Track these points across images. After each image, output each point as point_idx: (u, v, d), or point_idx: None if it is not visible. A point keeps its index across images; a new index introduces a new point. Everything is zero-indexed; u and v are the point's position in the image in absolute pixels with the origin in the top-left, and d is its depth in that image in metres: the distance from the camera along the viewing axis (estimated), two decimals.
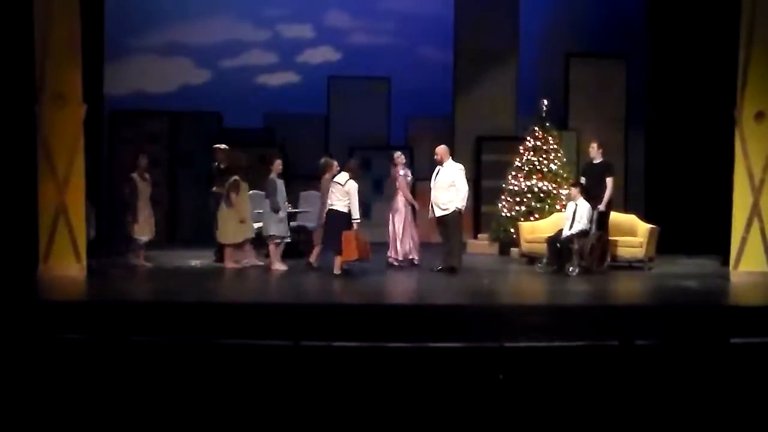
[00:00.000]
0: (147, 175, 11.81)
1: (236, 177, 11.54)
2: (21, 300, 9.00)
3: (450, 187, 11.33)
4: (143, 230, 11.62)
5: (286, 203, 11.89)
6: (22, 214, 10.77)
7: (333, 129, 17.08)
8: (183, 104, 16.51)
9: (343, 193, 11.00)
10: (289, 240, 11.80)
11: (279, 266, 11.51)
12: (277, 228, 11.55)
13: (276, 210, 11.48)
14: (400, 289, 10.97)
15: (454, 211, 11.31)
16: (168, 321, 8.09)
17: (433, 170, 11.68)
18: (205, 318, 8.33)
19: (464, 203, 11.40)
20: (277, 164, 11.71)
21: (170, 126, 16.44)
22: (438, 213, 11.43)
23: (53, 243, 10.54)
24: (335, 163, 11.75)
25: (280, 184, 11.67)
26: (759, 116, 10.71)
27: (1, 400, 6.01)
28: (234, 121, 16.58)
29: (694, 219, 13.76)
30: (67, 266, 10.53)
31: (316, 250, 11.61)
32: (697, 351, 6.91)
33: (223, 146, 12.02)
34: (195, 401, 6.10)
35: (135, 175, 11.59)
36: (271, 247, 11.60)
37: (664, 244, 12.41)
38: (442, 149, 11.64)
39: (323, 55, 17.93)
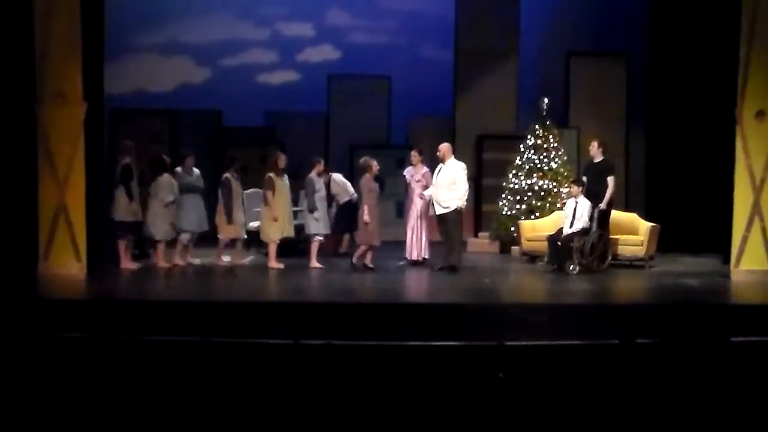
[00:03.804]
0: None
1: (270, 174, 11.52)
2: (21, 298, 8.98)
3: (451, 185, 11.31)
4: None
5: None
6: (22, 213, 10.75)
7: (333, 128, 17.05)
8: (183, 103, 16.48)
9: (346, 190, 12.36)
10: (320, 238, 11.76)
11: (313, 264, 11.58)
12: (317, 227, 11.57)
13: (311, 209, 11.50)
14: (401, 287, 10.96)
15: (455, 209, 11.30)
16: (173, 319, 8.09)
17: (434, 169, 11.67)
18: (210, 317, 8.33)
19: (464, 202, 11.38)
20: (320, 164, 11.77)
21: (171, 125, 16.41)
22: (439, 211, 11.41)
23: (53, 241, 10.53)
24: (374, 162, 11.73)
25: (319, 182, 11.69)
26: (760, 115, 10.70)
27: (1, 398, 6.00)
28: (234, 120, 16.57)
29: (695, 217, 13.73)
30: (67, 264, 10.51)
31: (361, 249, 11.55)
32: (698, 350, 6.90)
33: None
34: (195, 401, 6.09)
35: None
36: (313, 245, 11.63)
37: (664, 243, 12.40)
38: (445, 147, 11.62)
39: (323, 53, 17.89)
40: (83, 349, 7.05)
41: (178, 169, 11.74)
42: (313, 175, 11.70)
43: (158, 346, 7.08)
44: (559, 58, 16.69)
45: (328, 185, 12.60)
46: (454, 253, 11.41)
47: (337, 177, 13.05)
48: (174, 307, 8.71)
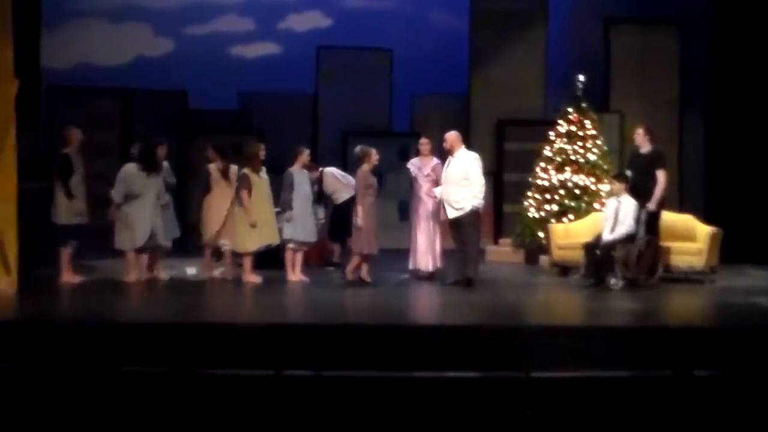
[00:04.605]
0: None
1: (246, 171, 11.44)
2: None
3: (463, 180, 11.29)
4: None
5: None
6: None
7: (323, 111, 17.12)
8: (139, 80, 16.50)
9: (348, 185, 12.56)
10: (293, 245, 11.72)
11: (293, 277, 11.59)
12: (290, 231, 11.55)
13: (284, 208, 11.51)
14: (405, 306, 10.93)
15: (470, 210, 11.25)
16: (114, 345, 8.03)
17: (443, 162, 11.64)
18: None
19: (481, 200, 11.34)
20: (304, 155, 11.78)
21: (123, 106, 16.40)
22: (451, 213, 11.37)
23: None
24: (374, 151, 11.67)
25: (299, 177, 11.66)
26: None
27: None
28: (202, 101, 16.61)
29: (764, 221, 13.72)
30: None
31: (356, 260, 11.49)
32: None
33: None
34: None
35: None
36: (287, 254, 11.65)
37: (728, 252, 12.41)
38: (451, 136, 11.59)
39: (311, 21, 18.01)
40: (11, 381, 7.00)
41: None
42: (294, 168, 11.63)
43: (104, 378, 7.05)
44: (597, 26, 16.70)
45: (319, 183, 12.54)
46: (470, 264, 11.37)
47: (332, 171, 13.01)
48: (124, 330, 8.67)
